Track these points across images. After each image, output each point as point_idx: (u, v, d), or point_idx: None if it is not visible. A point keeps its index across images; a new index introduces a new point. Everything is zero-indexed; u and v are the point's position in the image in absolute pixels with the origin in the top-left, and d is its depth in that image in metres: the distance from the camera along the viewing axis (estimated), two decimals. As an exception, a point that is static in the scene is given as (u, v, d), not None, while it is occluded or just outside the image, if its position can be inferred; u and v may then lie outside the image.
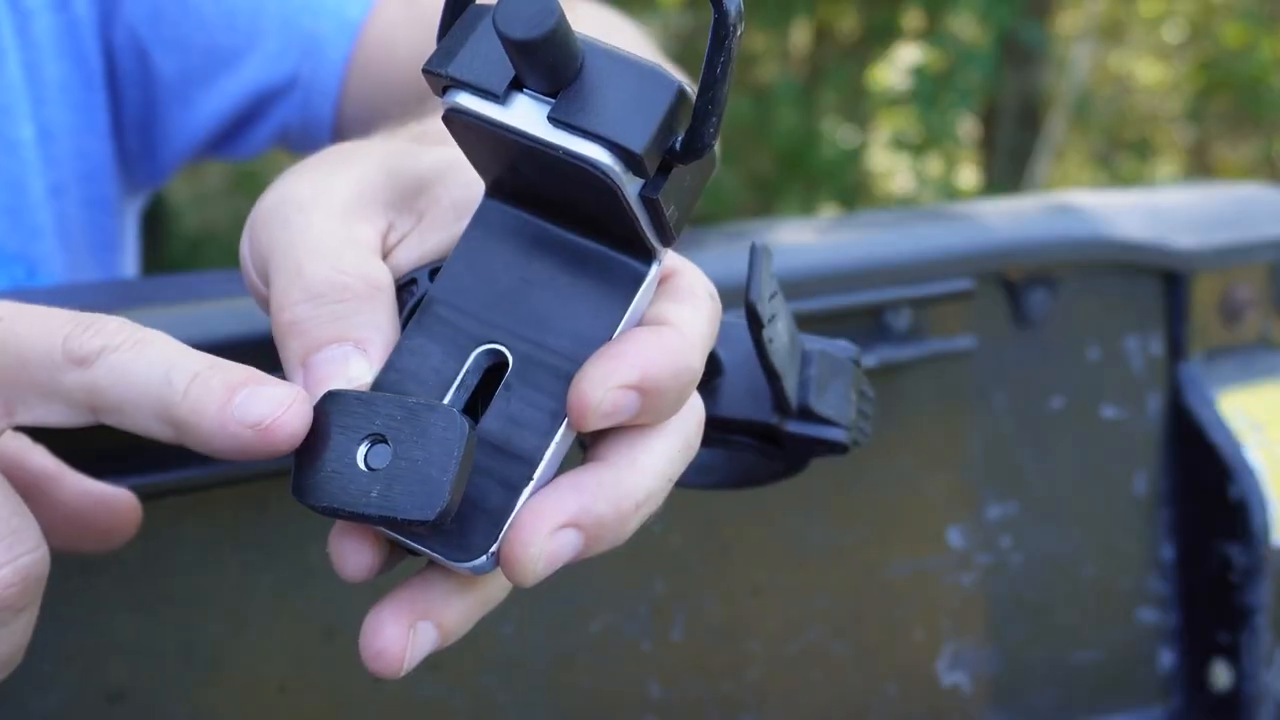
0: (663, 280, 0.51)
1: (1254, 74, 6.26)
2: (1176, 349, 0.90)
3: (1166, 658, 0.91)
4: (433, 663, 0.67)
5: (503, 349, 0.48)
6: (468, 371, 0.48)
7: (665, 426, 0.50)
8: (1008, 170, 5.89)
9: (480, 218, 0.50)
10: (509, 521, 0.47)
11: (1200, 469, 0.90)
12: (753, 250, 0.55)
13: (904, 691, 0.81)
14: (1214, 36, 6.74)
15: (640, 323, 0.50)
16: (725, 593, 0.75)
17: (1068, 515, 0.87)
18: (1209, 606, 0.90)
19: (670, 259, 0.51)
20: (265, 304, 0.53)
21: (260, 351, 0.59)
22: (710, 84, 0.46)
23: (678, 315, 0.50)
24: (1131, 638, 0.90)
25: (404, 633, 0.48)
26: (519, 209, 0.50)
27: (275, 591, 0.63)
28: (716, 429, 0.60)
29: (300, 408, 0.46)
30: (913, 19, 5.92)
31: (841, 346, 0.60)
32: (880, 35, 5.98)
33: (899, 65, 5.95)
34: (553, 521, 0.47)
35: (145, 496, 0.59)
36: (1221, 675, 0.90)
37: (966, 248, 0.82)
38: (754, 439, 0.61)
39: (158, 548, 0.60)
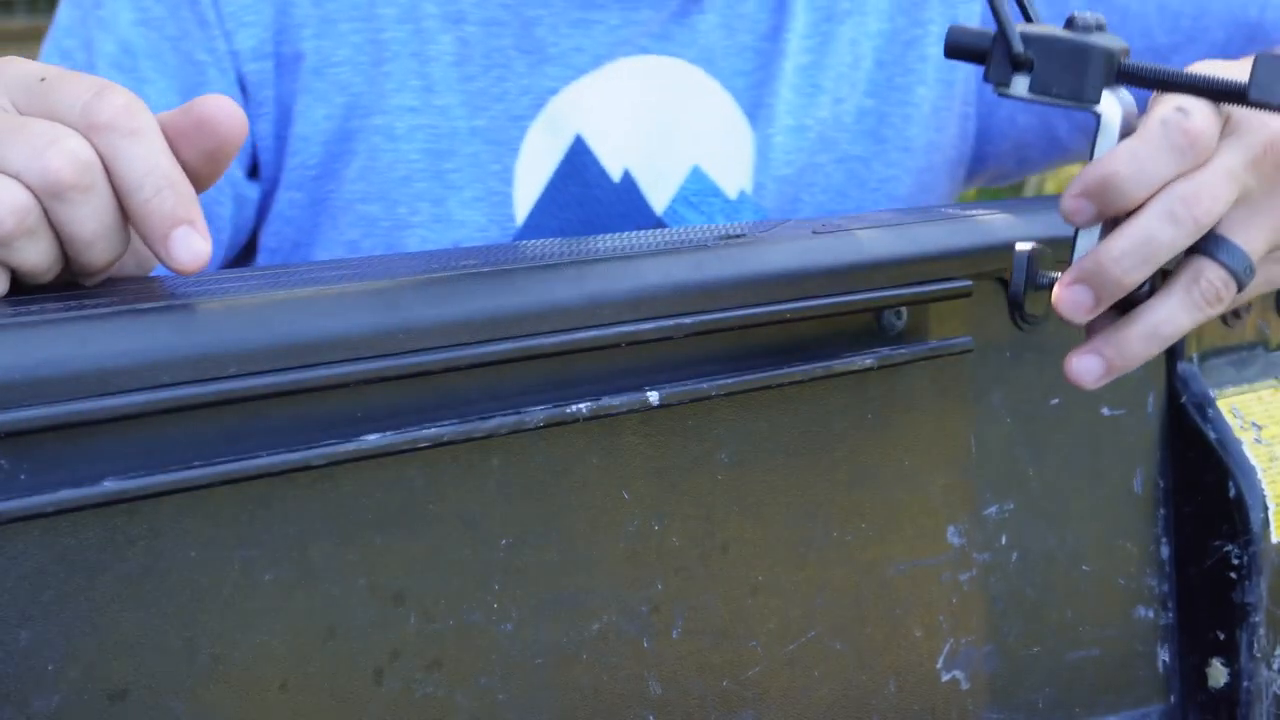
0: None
1: (1254, 72, 6.25)
2: (1175, 348, 0.90)
3: (1164, 655, 0.91)
4: (432, 662, 0.67)
5: None
6: None
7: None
8: (1007, 169, 5.88)
9: None
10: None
11: (1198, 468, 0.90)
12: None
13: (903, 689, 0.81)
14: (1214, 34, 6.73)
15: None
16: (725, 592, 0.75)
17: (1066, 514, 0.87)
18: (1207, 605, 0.90)
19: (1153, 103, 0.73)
20: None
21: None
22: None
23: (1125, 144, 0.70)
24: (1129, 636, 0.90)
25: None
26: None
27: (276, 590, 0.63)
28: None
29: (205, 256, 0.62)
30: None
31: None
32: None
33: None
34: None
35: (145, 496, 0.59)
36: (1219, 673, 0.90)
37: (965, 247, 0.82)
38: None
39: (159, 547, 0.60)
